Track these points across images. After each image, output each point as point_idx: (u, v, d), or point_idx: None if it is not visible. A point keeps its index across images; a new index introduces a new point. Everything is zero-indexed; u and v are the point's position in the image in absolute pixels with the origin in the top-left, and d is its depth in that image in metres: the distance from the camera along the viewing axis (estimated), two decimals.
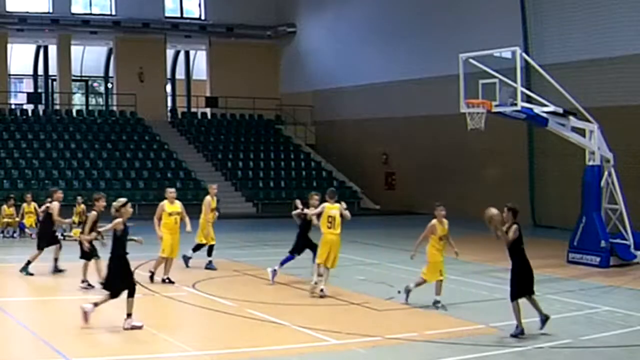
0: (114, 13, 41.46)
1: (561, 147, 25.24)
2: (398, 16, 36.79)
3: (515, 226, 12.32)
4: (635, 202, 21.67)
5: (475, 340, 11.94)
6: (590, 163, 20.41)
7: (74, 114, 40.70)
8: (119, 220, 12.44)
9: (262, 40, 44.39)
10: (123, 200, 12.77)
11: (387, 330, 12.51)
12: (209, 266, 18.56)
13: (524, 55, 21.58)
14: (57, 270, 17.82)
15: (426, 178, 35.33)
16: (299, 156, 40.98)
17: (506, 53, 20.70)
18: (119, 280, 12.40)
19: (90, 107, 44.51)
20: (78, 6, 41.44)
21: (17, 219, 25.44)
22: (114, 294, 12.40)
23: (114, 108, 42.42)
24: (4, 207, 25.50)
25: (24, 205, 25.63)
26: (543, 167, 30.32)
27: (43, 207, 18.89)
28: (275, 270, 16.86)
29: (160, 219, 16.66)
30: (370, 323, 13.31)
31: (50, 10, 40.23)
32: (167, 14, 42.88)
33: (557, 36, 29.00)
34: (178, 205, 16.95)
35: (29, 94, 42.29)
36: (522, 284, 12.27)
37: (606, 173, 20.43)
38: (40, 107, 40.82)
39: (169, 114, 43.55)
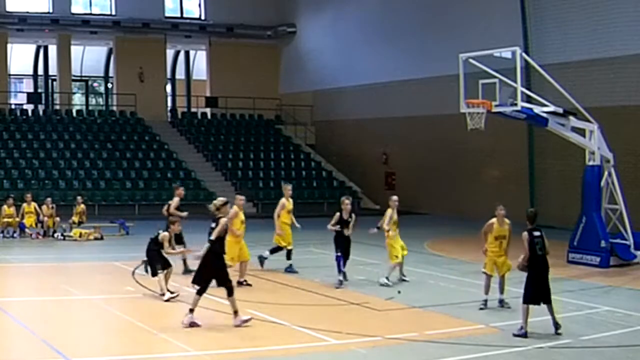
0: (114, 13, 41.45)
1: (561, 147, 25.25)
2: (398, 16, 36.78)
3: (524, 234, 12.48)
4: (635, 202, 21.68)
5: (475, 340, 11.94)
6: (590, 163, 20.42)
7: (74, 114, 40.69)
8: (226, 220, 12.68)
9: (262, 40, 44.38)
10: (224, 199, 13.06)
11: (387, 330, 12.51)
12: (290, 269, 18.33)
13: (524, 55, 21.58)
14: (188, 271, 17.30)
15: (426, 178, 35.33)
16: (299, 156, 40.98)
17: (506, 53, 20.70)
18: (209, 275, 12.60)
19: (90, 107, 44.51)
20: (78, 6, 41.42)
21: (17, 219, 25.46)
22: (202, 290, 12.58)
23: (114, 108, 42.41)
24: (4, 207, 25.50)
25: (24, 205, 25.66)
26: (543, 167, 30.30)
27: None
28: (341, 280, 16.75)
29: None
30: (370, 323, 13.32)
31: (50, 10, 40.22)
32: (167, 14, 42.86)
33: (557, 36, 29.00)
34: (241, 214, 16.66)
35: (29, 94, 42.28)
36: (531, 291, 12.34)
37: (606, 173, 20.44)
38: (40, 107, 40.81)
39: (169, 114, 43.54)
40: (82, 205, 26.73)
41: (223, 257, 12.84)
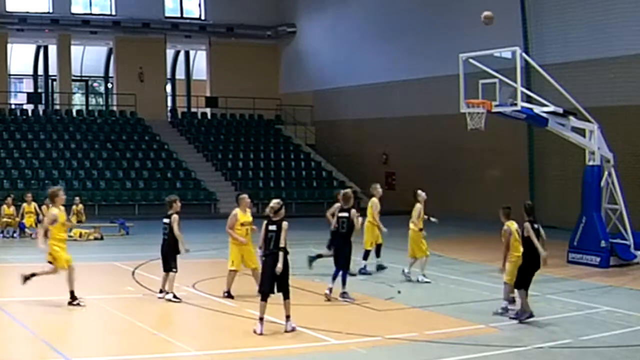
0: (114, 13, 41.48)
1: (561, 147, 25.24)
2: (398, 16, 36.79)
3: (526, 225, 13.05)
4: (635, 202, 21.67)
5: (475, 340, 11.94)
6: (590, 163, 20.41)
7: (74, 114, 40.72)
8: (287, 223, 12.51)
9: (262, 40, 44.40)
10: (279, 201, 12.82)
11: (387, 330, 12.50)
12: (381, 266, 18.43)
13: (524, 55, 21.58)
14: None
15: (426, 178, 35.24)
16: (299, 156, 40.99)
17: (506, 53, 20.71)
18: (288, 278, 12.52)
19: (90, 107, 44.54)
20: (78, 6, 41.44)
21: (17, 219, 25.46)
22: (265, 296, 12.37)
23: (114, 108, 42.44)
24: (4, 207, 25.50)
25: (24, 205, 25.67)
26: (543, 167, 30.31)
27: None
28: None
29: (232, 229, 15.10)
30: (370, 323, 13.32)
31: (50, 10, 40.24)
32: (167, 14, 42.89)
33: (557, 36, 29.00)
34: (249, 214, 15.54)
35: (29, 94, 42.32)
36: (525, 276, 12.98)
37: (606, 173, 20.43)
38: (40, 107, 40.85)
39: (169, 114, 43.57)
40: (81, 205, 26.79)
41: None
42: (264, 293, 12.34)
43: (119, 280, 17.04)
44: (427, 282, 17.07)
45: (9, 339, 11.93)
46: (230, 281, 15.27)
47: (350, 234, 15.00)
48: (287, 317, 12.36)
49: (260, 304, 12.25)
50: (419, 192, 17.55)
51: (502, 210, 13.75)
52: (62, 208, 14.71)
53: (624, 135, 24.76)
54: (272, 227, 12.53)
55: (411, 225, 17.39)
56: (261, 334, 12.02)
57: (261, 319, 12.16)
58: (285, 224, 12.51)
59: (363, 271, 18.11)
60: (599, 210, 20.36)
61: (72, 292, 14.03)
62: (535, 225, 13.11)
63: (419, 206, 17.35)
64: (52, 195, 14.77)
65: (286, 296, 12.40)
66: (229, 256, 15.26)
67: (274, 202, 12.84)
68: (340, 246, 15.22)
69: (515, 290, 13.34)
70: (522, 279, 13.01)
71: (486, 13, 17.89)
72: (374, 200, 18.27)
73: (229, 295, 15.14)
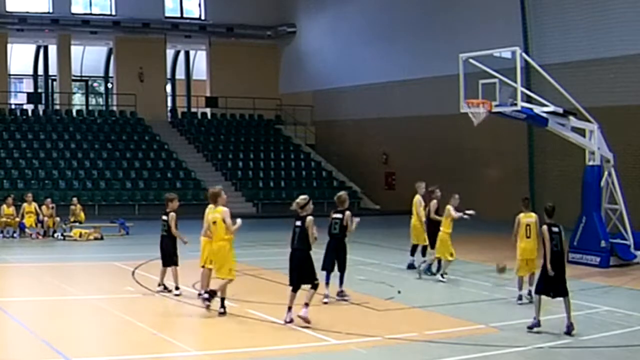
0: (114, 13, 41.47)
1: (561, 147, 25.25)
2: (398, 16, 36.81)
3: (544, 228, 12.80)
4: (635, 202, 21.68)
5: (475, 340, 11.93)
6: (590, 163, 20.40)
7: (74, 114, 40.71)
8: (312, 219, 12.74)
9: (262, 40, 44.40)
10: (306, 197, 13.01)
11: (387, 330, 12.49)
12: (413, 266, 18.52)
13: (524, 55, 21.58)
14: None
15: (426, 178, 35.13)
16: (299, 156, 40.99)
17: (506, 53, 20.70)
18: (313, 270, 12.82)
19: (90, 107, 44.53)
20: (78, 6, 41.43)
21: (17, 219, 25.46)
22: (316, 285, 12.80)
23: (114, 108, 42.43)
24: (4, 207, 25.49)
25: (24, 205, 25.66)
26: (543, 167, 30.32)
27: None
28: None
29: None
30: (370, 323, 13.31)
31: (50, 10, 40.23)
32: (167, 14, 42.88)
33: (557, 36, 29.03)
34: None
35: (29, 94, 42.31)
36: (543, 283, 12.56)
37: (606, 173, 20.42)
38: (40, 107, 40.84)
39: (169, 114, 43.56)
40: (79, 205, 26.79)
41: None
42: (293, 286, 12.68)
43: (119, 280, 17.03)
44: (442, 281, 17.02)
45: (9, 339, 11.93)
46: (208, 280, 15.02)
47: (344, 236, 14.93)
48: (306, 304, 12.55)
49: (290, 295, 12.62)
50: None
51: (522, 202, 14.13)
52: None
53: (624, 135, 24.78)
54: (298, 223, 12.82)
55: (442, 228, 17.22)
56: (291, 321, 12.43)
57: (289, 308, 12.53)
58: (309, 219, 12.73)
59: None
60: (599, 210, 20.35)
61: (222, 300, 13.43)
62: (555, 229, 12.70)
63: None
64: (215, 196, 13.54)
65: (313, 286, 12.72)
66: (209, 254, 14.76)
67: (300, 198, 13.03)
68: (334, 248, 14.93)
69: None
70: (539, 285, 12.57)
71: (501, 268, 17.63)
72: (418, 197, 18.79)
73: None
